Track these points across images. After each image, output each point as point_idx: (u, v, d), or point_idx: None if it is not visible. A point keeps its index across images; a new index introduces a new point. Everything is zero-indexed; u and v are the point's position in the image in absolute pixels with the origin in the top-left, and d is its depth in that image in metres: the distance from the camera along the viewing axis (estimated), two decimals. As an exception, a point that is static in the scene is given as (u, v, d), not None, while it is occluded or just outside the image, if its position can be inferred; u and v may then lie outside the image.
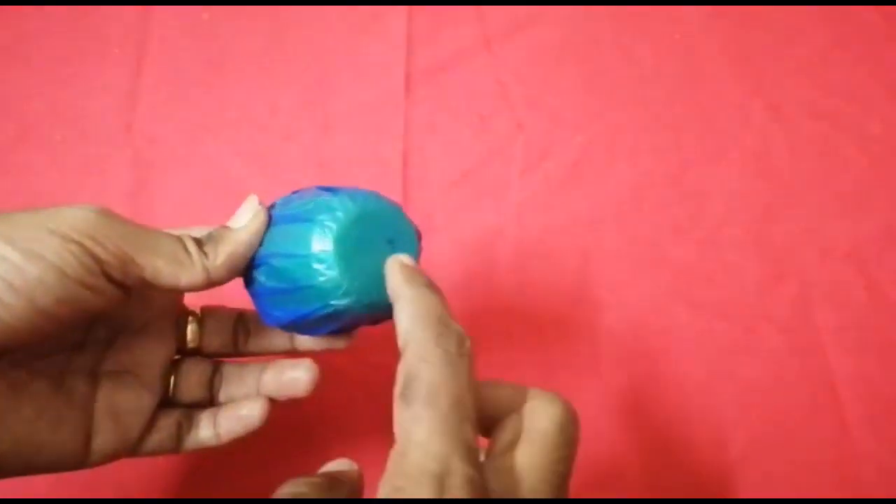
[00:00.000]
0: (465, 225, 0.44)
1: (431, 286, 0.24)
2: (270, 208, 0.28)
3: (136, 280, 0.25)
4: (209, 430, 0.30)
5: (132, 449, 0.29)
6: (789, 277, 0.44)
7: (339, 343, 0.30)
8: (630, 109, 0.48)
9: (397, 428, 0.21)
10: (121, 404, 0.28)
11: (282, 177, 0.45)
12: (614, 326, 0.42)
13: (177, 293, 0.31)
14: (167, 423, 0.30)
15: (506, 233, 0.44)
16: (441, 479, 0.19)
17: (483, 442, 0.24)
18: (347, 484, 0.26)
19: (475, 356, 0.23)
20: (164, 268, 0.25)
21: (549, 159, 0.46)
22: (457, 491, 0.19)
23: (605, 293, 0.43)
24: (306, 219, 0.26)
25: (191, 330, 0.31)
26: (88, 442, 0.27)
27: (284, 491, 0.24)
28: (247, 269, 0.28)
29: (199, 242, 0.27)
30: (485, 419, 0.24)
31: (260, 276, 0.27)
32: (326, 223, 0.26)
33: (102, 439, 0.27)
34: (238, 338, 0.32)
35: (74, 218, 0.24)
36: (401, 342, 0.23)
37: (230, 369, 0.31)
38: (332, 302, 0.26)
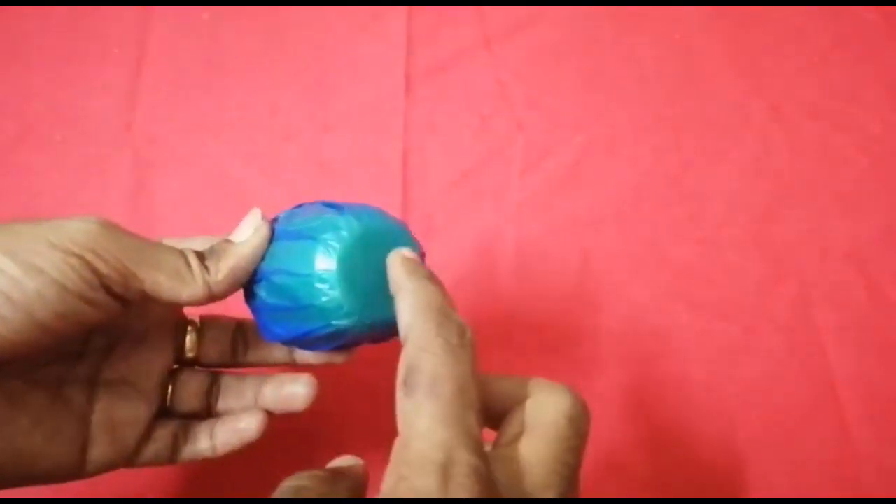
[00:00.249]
0: (465, 225, 0.44)
1: (433, 278, 0.24)
2: (273, 222, 0.28)
3: (137, 294, 0.25)
4: (206, 441, 0.30)
5: (128, 460, 0.29)
6: (789, 277, 0.44)
7: (338, 358, 0.30)
8: (630, 109, 0.48)
9: (400, 418, 0.21)
10: (118, 415, 0.28)
11: (281, 177, 0.45)
12: (614, 326, 0.42)
13: (177, 306, 0.31)
14: (163, 434, 0.29)
15: (506, 233, 0.44)
16: (445, 468, 0.19)
17: (491, 435, 0.24)
18: (351, 478, 0.26)
19: (477, 347, 0.22)
20: (166, 282, 0.25)
21: (549, 159, 0.46)
22: (461, 480, 0.19)
23: (605, 293, 0.43)
24: (310, 236, 0.26)
25: (189, 339, 0.31)
26: (85, 453, 0.27)
27: (286, 486, 0.24)
28: (248, 283, 0.27)
29: (200, 256, 0.26)
30: (492, 412, 0.24)
31: (261, 292, 0.27)
32: (330, 242, 0.26)
33: (99, 450, 0.27)
34: (237, 348, 0.31)
35: (76, 231, 0.24)
36: (402, 334, 0.23)
37: (229, 381, 0.31)
38: (334, 322, 0.26)
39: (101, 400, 0.28)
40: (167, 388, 0.30)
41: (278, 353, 0.31)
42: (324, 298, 0.26)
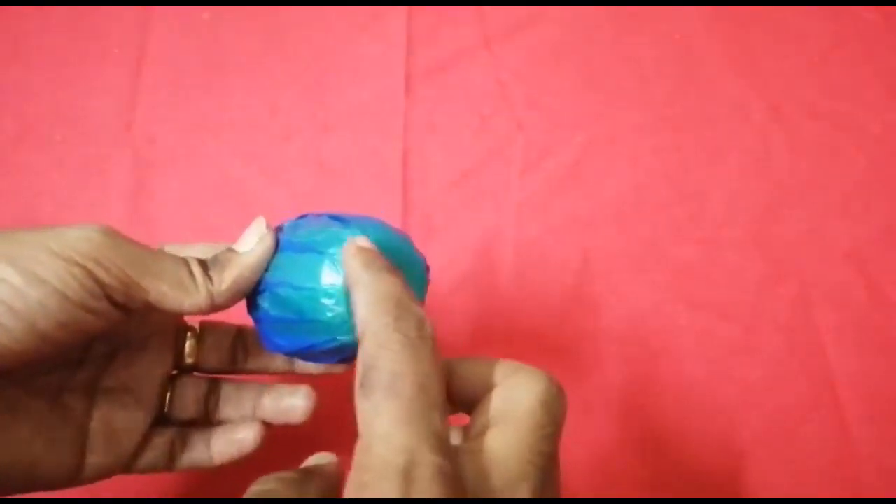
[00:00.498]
0: (464, 225, 0.44)
1: (390, 269, 0.23)
2: (277, 231, 0.28)
3: (140, 303, 0.25)
4: (203, 451, 0.30)
5: (125, 467, 0.28)
6: (789, 277, 0.44)
7: (337, 368, 0.30)
8: (630, 109, 0.48)
9: (360, 420, 0.20)
10: (116, 423, 0.28)
11: (281, 177, 0.45)
12: (614, 326, 0.42)
13: (179, 315, 0.30)
14: (161, 441, 0.29)
15: (505, 233, 0.44)
16: (407, 471, 0.18)
17: (463, 420, 0.23)
18: (324, 478, 0.25)
19: (437, 339, 0.21)
20: (169, 292, 0.25)
21: (549, 159, 0.46)
22: (425, 483, 0.18)
23: (605, 293, 0.43)
24: (316, 250, 0.26)
25: (189, 345, 0.30)
26: (82, 460, 0.27)
27: (253, 489, 0.23)
28: (251, 293, 0.27)
29: (203, 265, 0.26)
30: (462, 397, 0.23)
31: (264, 303, 0.27)
32: (337, 257, 0.25)
33: (96, 458, 0.27)
34: (236, 355, 0.31)
35: (78, 239, 0.24)
36: (359, 331, 0.22)
37: (228, 389, 0.31)
38: (339, 337, 0.26)
39: (99, 407, 0.28)
40: (165, 395, 0.30)
41: (278, 361, 0.31)
42: (329, 314, 0.25)
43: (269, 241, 0.27)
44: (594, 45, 0.50)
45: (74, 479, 0.27)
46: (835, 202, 0.46)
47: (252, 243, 0.27)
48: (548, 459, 0.21)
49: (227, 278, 0.26)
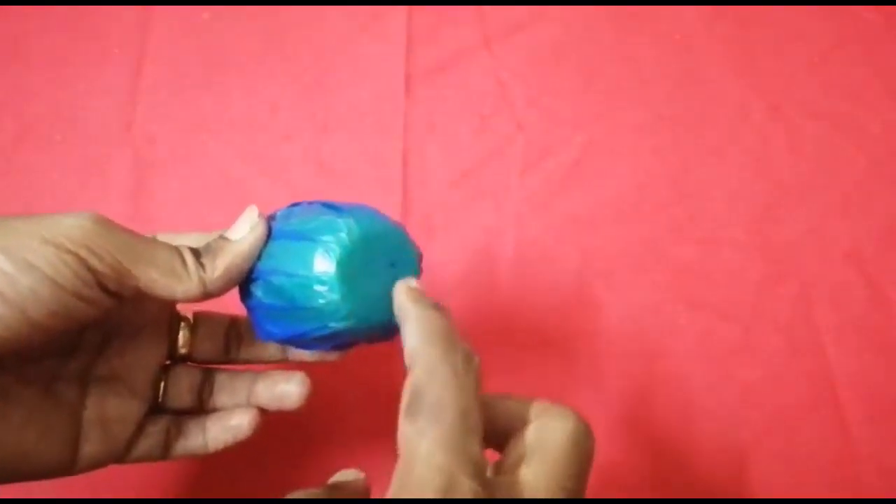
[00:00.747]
0: (464, 225, 0.44)
1: (439, 307, 0.25)
2: (270, 219, 0.28)
3: (132, 291, 0.25)
4: (198, 438, 0.30)
5: (120, 456, 0.29)
6: (789, 277, 0.44)
7: (331, 356, 0.30)
8: (630, 109, 0.48)
9: (401, 442, 0.21)
10: (110, 412, 0.28)
11: (281, 177, 0.45)
12: (614, 326, 0.42)
13: (171, 303, 0.31)
14: (155, 430, 0.29)
15: (505, 233, 0.44)
16: (445, 492, 0.19)
17: (494, 456, 0.24)
18: (351, 493, 0.26)
19: (483, 374, 0.23)
20: (161, 279, 0.25)
21: (549, 159, 0.46)
22: None
23: (605, 293, 0.43)
24: (309, 237, 0.26)
25: (182, 335, 0.31)
26: (76, 449, 0.27)
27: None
28: (244, 281, 0.27)
29: (196, 254, 0.26)
30: (496, 433, 0.24)
31: (257, 291, 0.27)
32: (330, 244, 0.26)
33: (90, 447, 0.27)
34: (230, 345, 0.31)
35: (70, 227, 0.24)
36: (407, 360, 0.23)
37: (222, 378, 0.31)
38: (332, 324, 0.26)
39: (92, 396, 0.28)
40: (160, 385, 0.30)
41: (272, 350, 0.31)
42: (322, 301, 0.26)
43: (260, 229, 0.27)
44: (594, 45, 0.50)
45: (69, 468, 0.27)
46: (835, 202, 0.46)
47: (244, 231, 0.27)
48: (574, 495, 0.22)
49: (220, 266, 0.26)
